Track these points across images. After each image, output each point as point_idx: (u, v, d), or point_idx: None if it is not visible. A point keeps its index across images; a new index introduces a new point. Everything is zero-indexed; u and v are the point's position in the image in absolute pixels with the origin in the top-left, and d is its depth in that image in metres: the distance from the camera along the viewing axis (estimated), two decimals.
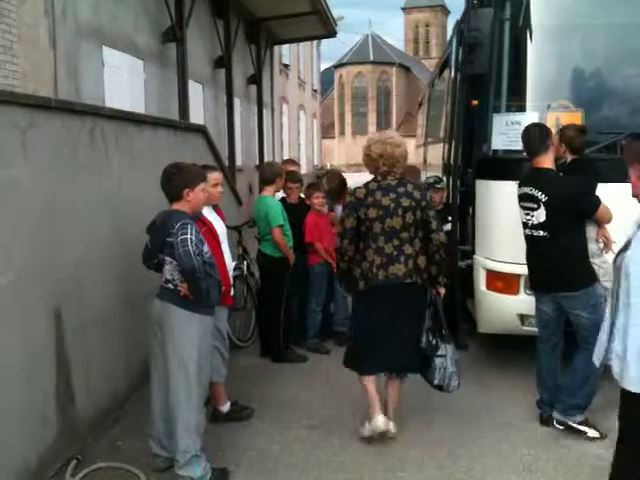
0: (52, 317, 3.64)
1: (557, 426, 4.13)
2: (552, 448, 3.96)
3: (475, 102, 5.21)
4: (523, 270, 4.39)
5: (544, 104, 4.86)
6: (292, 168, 6.46)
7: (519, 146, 4.25)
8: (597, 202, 3.96)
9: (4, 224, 3.21)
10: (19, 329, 3.33)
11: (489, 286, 4.91)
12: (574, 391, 4.08)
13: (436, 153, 8.22)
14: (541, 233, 4.00)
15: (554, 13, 5.00)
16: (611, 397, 4.27)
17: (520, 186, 4.15)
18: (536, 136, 4.04)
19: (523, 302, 4.68)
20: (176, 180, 3.49)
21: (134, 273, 3.97)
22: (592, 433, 4.06)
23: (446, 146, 6.76)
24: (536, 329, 4.38)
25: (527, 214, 4.07)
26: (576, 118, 4.67)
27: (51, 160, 3.67)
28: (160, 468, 3.65)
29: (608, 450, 3.88)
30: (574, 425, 4.09)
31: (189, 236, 3.28)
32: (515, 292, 4.75)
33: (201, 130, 6.79)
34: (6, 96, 3.36)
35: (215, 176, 4.15)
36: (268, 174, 5.57)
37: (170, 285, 3.45)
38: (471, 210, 5.20)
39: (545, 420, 4.24)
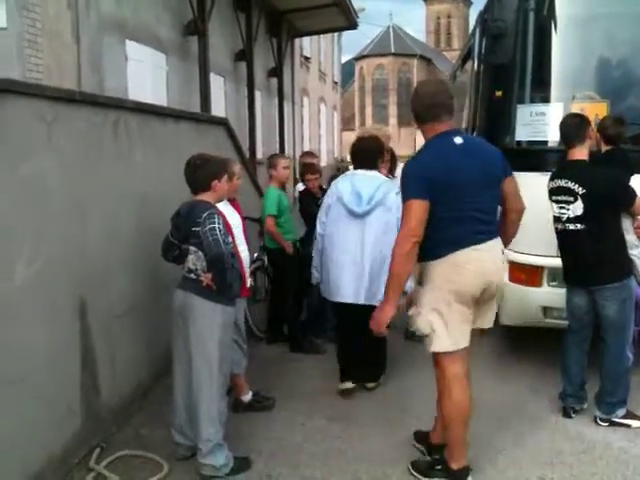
0: (77, 307, 3.68)
1: (601, 424, 4.07)
2: (575, 441, 3.93)
3: (499, 93, 5.15)
4: (546, 262, 4.34)
5: (569, 95, 4.80)
6: (310, 160, 6.46)
7: (543, 137, 4.19)
8: (634, 194, 3.90)
9: (30, 216, 3.24)
10: (45, 319, 3.37)
11: (512, 278, 4.86)
12: (615, 390, 4.04)
13: None
14: (578, 226, 3.91)
15: (579, 2, 4.92)
16: None
17: (553, 179, 4.05)
18: (572, 127, 3.96)
19: (546, 294, 4.62)
20: (204, 171, 3.51)
21: (157, 263, 4.01)
22: (636, 424, 4.04)
23: None
24: (559, 321, 4.32)
25: (561, 208, 3.96)
26: (601, 109, 4.60)
27: (76, 152, 3.70)
28: (183, 457, 3.68)
29: (631, 442, 3.87)
30: (618, 420, 4.06)
31: (217, 225, 3.31)
32: (538, 284, 4.69)
33: (223, 123, 6.80)
34: (33, 88, 3.39)
35: (238, 169, 4.33)
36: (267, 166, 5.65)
37: (192, 275, 3.48)
38: None
39: (567, 412, 4.20)
